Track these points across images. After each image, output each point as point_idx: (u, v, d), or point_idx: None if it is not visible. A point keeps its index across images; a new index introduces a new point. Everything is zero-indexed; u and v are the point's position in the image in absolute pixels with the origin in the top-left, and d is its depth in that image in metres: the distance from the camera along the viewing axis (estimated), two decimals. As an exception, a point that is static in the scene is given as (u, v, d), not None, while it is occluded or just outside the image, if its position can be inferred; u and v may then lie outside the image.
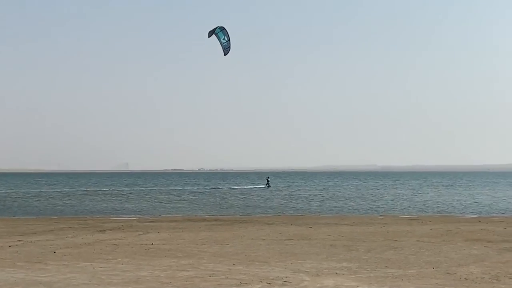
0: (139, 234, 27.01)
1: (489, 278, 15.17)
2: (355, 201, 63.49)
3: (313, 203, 60.33)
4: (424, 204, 56.11)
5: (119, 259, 18.62)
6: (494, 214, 42.95)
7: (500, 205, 54.04)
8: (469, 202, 58.89)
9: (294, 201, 63.94)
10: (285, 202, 61.35)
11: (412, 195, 76.00)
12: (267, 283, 14.36)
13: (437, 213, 45.24)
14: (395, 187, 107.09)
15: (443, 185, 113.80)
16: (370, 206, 54.86)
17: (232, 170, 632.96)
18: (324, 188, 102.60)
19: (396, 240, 23.90)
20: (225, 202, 62.67)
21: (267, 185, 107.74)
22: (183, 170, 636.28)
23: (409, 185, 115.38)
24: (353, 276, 15.52)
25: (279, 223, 33.15)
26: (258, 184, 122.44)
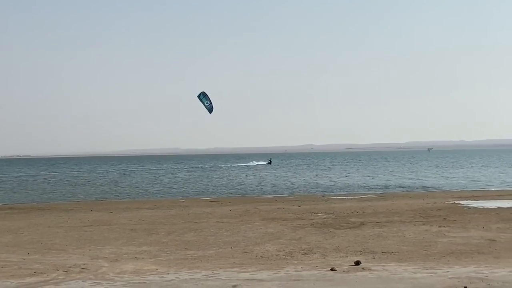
0: None
1: (283, 255, 15.84)
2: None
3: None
4: (226, 186, 57.22)
5: None
6: (290, 194, 44.94)
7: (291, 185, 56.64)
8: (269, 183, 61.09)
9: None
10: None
11: (217, 177, 77.28)
12: (64, 271, 13.90)
13: (237, 194, 46.43)
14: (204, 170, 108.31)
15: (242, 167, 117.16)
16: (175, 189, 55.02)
17: (29, 156, 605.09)
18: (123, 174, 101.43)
19: (196, 222, 24.22)
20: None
21: (269, 162, 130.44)
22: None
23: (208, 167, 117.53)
24: (153, 259, 15.50)
25: (78, 210, 32.26)
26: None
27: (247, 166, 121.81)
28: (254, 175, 79.21)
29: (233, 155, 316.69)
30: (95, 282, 12.59)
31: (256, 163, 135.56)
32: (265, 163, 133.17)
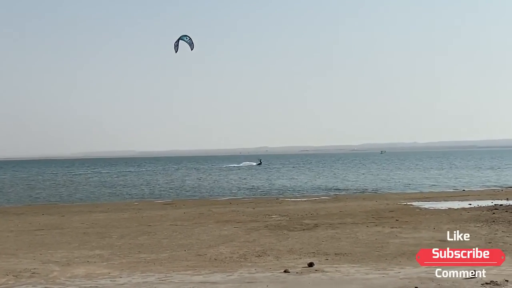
0: None
1: (237, 257, 15.84)
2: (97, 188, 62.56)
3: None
4: (183, 189, 56.80)
5: None
6: (245, 196, 44.94)
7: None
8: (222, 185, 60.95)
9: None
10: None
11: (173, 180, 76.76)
12: (14, 276, 13.65)
13: (191, 196, 46.19)
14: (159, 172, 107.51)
15: (197, 169, 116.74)
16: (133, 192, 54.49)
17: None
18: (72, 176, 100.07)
19: (150, 225, 24.07)
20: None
21: (259, 163, 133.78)
22: None
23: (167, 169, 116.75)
24: (105, 263, 15.34)
25: (30, 213, 31.75)
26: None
27: (238, 167, 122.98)
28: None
29: (193, 158, 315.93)
30: (46, 287, 12.40)
31: (242, 164, 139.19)
32: (255, 164, 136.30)
